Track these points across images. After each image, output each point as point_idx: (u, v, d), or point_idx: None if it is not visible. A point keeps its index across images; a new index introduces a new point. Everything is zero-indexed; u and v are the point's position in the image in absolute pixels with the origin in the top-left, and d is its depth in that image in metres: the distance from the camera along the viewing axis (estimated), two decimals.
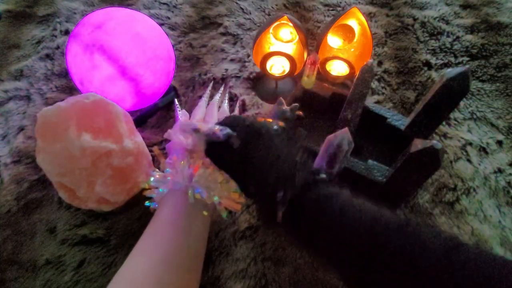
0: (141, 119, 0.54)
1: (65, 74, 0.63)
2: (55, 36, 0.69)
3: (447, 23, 0.71)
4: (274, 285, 0.40)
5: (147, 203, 0.40)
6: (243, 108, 0.58)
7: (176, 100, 0.54)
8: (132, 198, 0.45)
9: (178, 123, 0.42)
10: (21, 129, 0.55)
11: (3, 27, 0.71)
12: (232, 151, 0.32)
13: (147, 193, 0.40)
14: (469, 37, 0.68)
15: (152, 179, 0.39)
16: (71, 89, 0.61)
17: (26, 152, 0.52)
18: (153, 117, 0.56)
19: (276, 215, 0.29)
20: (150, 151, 0.48)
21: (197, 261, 0.36)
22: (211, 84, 0.59)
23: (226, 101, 0.54)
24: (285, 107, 0.42)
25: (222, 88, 0.57)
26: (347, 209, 0.27)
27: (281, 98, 0.43)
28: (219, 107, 0.52)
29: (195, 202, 0.36)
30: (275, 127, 0.33)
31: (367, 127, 0.48)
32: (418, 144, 0.35)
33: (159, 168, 0.42)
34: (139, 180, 0.45)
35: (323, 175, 0.30)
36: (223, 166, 0.34)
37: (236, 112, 0.55)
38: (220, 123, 0.34)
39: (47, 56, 0.66)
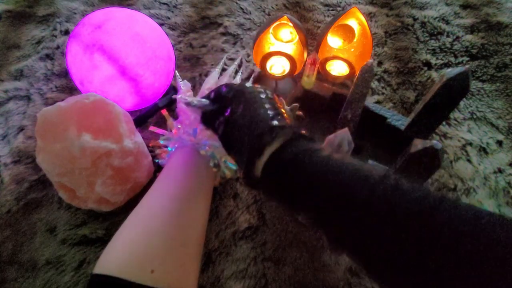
0: (141, 119, 0.54)
1: (65, 74, 0.63)
2: (55, 36, 0.69)
3: (447, 23, 0.71)
4: (274, 285, 0.40)
5: (155, 160, 0.48)
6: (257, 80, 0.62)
7: (177, 71, 0.56)
8: (132, 198, 0.45)
9: (180, 91, 0.51)
10: (21, 129, 0.55)
11: (3, 27, 0.71)
12: (218, 117, 0.34)
13: (157, 152, 0.48)
14: (469, 37, 0.68)
15: (162, 137, 0.45)
16: (71, 89, 0.61)
17: (26, 152, 0.52)
18: (153, 117, 0.56)
19: (255, 174, 0.28)
20: (150, 151, 0.48)
21: (205, 201, 0.40)
22: (224, 57, 0.63)
23: (240, 73, 0.59)
24: (285, 107, 0.42)
25: (236, 61, 0.62)
26: (327, 163, 0.25)
27: (281, 98, 0.43)
28: (233, 78, 0.58)
29: (201, 156, 0.41)
30: (262, 94, 0.33)
31: (367, 127, 0.48)
32: (418, 144, 0.35)
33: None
34: (139, 180, 0.45)
35: (303, 131, 0.29)
36: (214, 131, 0.36)
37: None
38: (213, 91, 0.36)
39: (47, 56, 0.66)
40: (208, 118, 0.36)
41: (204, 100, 0.36)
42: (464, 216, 0.19)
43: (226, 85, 0.36)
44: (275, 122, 0.29)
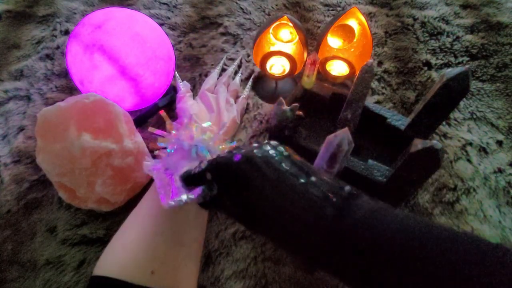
0: (141, 119, 0.54)
1: (65, 74, 0.63)
2: (55, 36, 0.69)
3: (447, 23, 0.71)
4: (274, 285, 0.40)
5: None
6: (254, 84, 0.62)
7: (176, 72, 0.56)
8: (132, 198, 0.45)
9: (180, 92, 0.52)
10: (21, 129, 0.55)
11: (3, 27, 0.71)
12: (228, 200, 0.28)
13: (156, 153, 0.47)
14: (469, 37, 0.68)
15: (160, 139, 0.44)
16: (71, 89, 0.60)
17: (26, 152, 0.52)
18: (153, 117, 0.56)
19: (316, 257, 0.24)
20: (150, 151, 0.48)
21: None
22: (224, 57, 0.64)
23: (240, 73, 0.60)
24: (285, 107, 0.42)
25: (236, 61, 0.63)
26: (402, 221, 0.22)
27: (281, 98, 0.43)
28: (232, 79, 0.60)
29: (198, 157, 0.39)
30: (276, 155, 0.27)
31: (367, 127, 0.48)
32: (418, 144, 0.35)
33: None
34: (139, 180, 0.45)
35: (348, 187, 0.25)
36: (227, 215, 0.32)
37: (248, 87, 0.59)
38: (208, 168, 0.29)
39: (47, 56, 0.66)
40: (212, 204, 0.30)
41: (199, 190, 0.29)
42: None
43: (225, 159, 0.28)
44: (315, 192, 0.24)
